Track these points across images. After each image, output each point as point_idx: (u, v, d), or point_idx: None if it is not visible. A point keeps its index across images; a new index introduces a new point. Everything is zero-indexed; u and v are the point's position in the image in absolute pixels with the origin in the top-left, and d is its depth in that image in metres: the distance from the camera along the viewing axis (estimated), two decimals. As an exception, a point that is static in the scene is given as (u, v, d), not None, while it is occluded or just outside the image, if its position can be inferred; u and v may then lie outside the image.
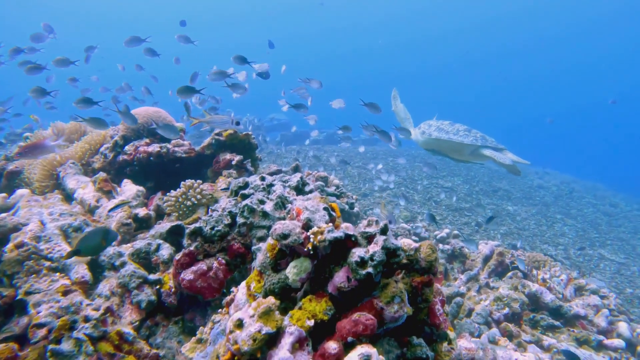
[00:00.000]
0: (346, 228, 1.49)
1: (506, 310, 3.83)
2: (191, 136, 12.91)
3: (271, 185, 2.05)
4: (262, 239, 1.88)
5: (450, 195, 9.48)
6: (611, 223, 11.94)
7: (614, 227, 11.59)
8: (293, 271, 1.37)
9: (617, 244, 10.29)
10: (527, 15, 35.33)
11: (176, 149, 3.31)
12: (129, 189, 2.92)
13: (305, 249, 1.36)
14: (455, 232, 6.15)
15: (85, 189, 2.81)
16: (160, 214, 3.20)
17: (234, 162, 3.27)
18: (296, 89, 4.11)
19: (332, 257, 1.39)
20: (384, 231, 1.35)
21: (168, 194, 2.81)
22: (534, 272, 4.51)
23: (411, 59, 46.26)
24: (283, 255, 1.42)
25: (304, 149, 12.95)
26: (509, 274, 4.54)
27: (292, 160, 10.92)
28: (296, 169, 3.66)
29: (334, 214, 1.57)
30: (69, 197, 3.20)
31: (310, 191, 2.07)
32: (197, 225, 1.94)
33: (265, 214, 1.89)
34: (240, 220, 1.92)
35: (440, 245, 4.92)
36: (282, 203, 1.92)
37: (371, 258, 1.29)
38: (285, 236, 1.35)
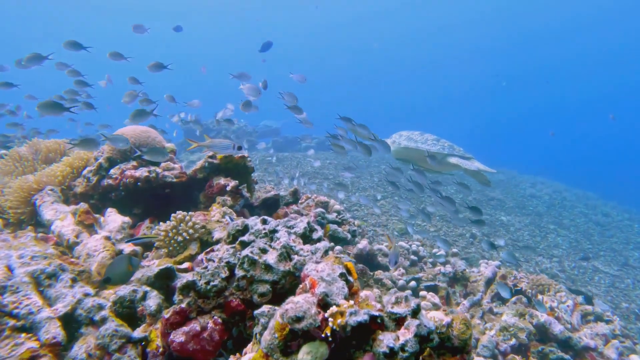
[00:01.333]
0: (366, 299, 1.27)
1: (513, 341, 3.65)
2: (177, 144, 12.57)
3: (274, 231, 1.82)
4: (264, 295, 1.65)
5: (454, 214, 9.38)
6: (603, 233, 11.96)
7: (607, 238, 11.60)
8: (307, 358, 1.15)
9: (609, 255, 10.29)
10: (518, 10, 35.24)
11: (166, 173, 3.06)
12: (113, 219, 2.66)
13: (323, 334, 1.13)
14: (454, 250, 5.98)
15: (64, 221, 2.54)
16: (148, 245, 2.94)
17: (228, 188, 3.03)
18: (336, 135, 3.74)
19: (353, 339, 1.17)
20: (415, 313, 1.13)
21: (157, 226, 2.56)
22: (539, 297, 4.35)
23: (411, 52, 45.85)
24: (294, 336, 1.20)
25: (297, 157, 12.69)
26: (513, 298, 4.38)
27: (281, 170, 10.65)
28: (294, 194, 3.43)
29: (351, 279, 1.35)
30: (41, 225, 2.93)
31: (319, 239, 1.85)
32: (189, 278, 1.70)
33: (268, 267, 1.66)
34: (239, 272, 1.69)
35: (442, 268, 4.74)
36: (287, 254, 1.69)
37: (402, 348, 1.08)
38: (298, 319, 1.13)
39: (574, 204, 13.99)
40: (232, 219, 2.48)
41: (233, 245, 1.87)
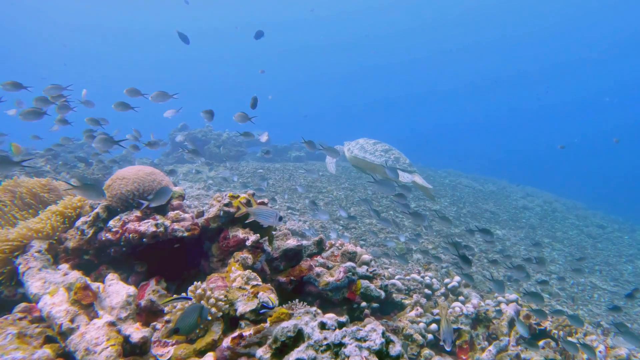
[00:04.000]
0: None
1: (551, 397, 3.37)
2: (165, 153, 11.97)
3: (341, 344, 1.44)
4: None
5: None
6: (596, 246, 12.01)
7: (600, 251, 11.65)
8: None
9: (605, 269, 10.28)
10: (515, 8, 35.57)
11: (176, 226, 2.62)
12: (115, 291, 2.21)
13: None
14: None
15: (54, 297, 2.08)
16: (154, 311, 2.51)
17: (248, 243, 2.62)
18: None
19: None
20: None
21: (171, 303, 2.14)
22: (568, 339, 4.10)
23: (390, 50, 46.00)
24: None
25: (289, 168, 12.27)
26: (541, 342, 4.11)
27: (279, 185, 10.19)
28: (319, 244, 3.05)
29: None
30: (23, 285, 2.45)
31: (399, 356, 1.47)
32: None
33: (340, 402, 1.28)
34: (301, 408, 1.30)
35: (463, 309, 4.42)
36: (363, 382, 1.32)
37: None
38: None
39: (565, 215, 14.08)
40: (267, 306, 2.05)
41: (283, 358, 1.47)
